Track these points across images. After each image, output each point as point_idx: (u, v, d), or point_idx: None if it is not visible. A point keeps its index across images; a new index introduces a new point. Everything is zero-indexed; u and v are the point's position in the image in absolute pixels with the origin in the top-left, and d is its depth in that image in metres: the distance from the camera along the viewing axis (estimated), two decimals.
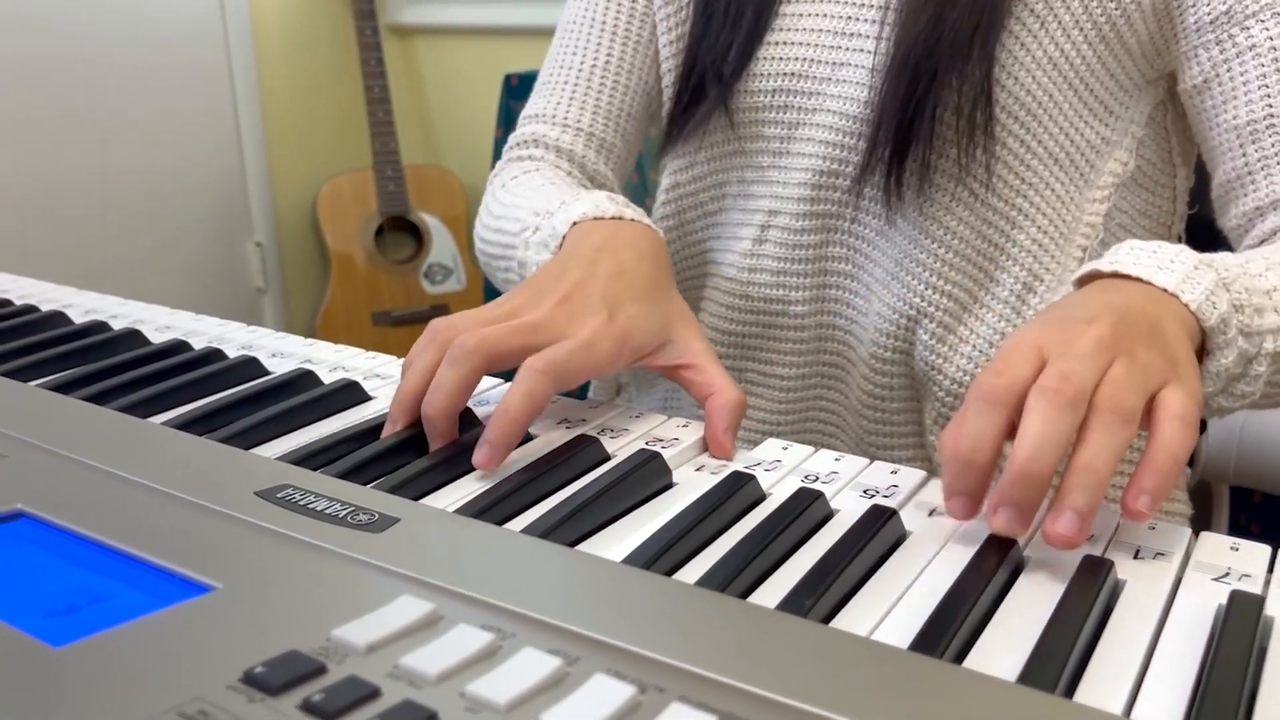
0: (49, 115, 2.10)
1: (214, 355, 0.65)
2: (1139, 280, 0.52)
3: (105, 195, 2.21)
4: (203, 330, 0.72)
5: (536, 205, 0.70)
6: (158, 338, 0.70)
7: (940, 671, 0.33)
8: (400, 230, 2.46)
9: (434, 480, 0.49)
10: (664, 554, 0.42)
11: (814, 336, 0.76)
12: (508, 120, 1.93)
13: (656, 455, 0.50)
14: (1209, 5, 0.66)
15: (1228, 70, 0.66)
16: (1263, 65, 0.65)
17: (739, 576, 0.40)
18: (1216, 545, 0.44)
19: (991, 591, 0.40)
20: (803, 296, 0.75)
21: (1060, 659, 0.35)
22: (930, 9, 0.66)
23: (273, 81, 2.46)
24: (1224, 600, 0.39)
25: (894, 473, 0.50)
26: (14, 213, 2.06)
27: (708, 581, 0.40)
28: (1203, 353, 0.53)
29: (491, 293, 2.01)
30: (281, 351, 0.68)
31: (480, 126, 2.47)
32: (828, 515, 0.46)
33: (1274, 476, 0.99)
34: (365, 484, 0.47)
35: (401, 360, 0.66)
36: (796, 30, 0.73)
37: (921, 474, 0.50)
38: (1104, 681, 0.35)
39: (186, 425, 0.54)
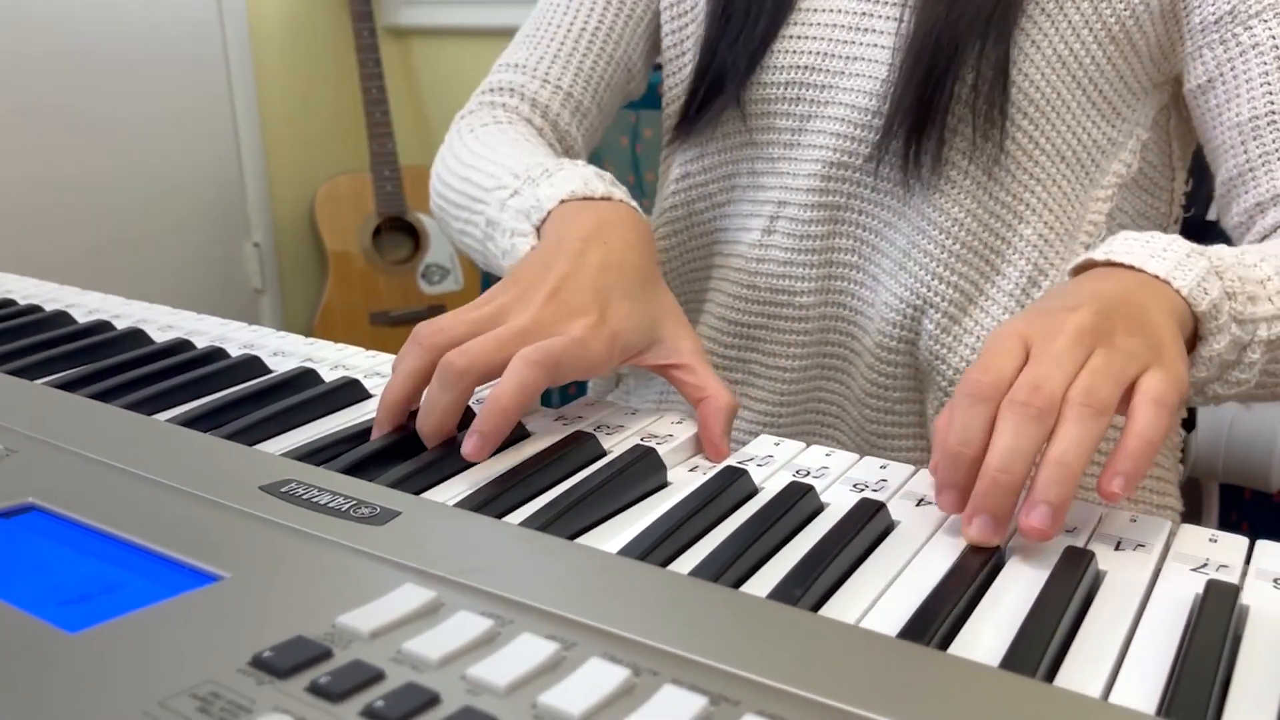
0: (47, 116, 2.11)
1: (216, 354, 0.66)
2: (1131, 268, 0.53)
3: (103, 196, 2.22)
4: (205, 330, 0.73)
5: (513, 164, 0.69)
6: (160, 337, 0.71)
7: (926, 657, 0.34)
8: (398, 231, 2.47)
9: (434, 475, 0.50)
10: (658, 546, 0.43)
11: (818, 327, 0.78)
12: None
13: (651, 451, 0.51)
14: (1213, 5, 0.67)
15: (1231, 68, 0.68)
16: (1265, 63, 0.66)
17: (731, 567, 0.41)
18: (1196, 537, 0.45)
19: (977, 581, 0.41)
20: (809, 287, 0.76)
21: (1041, 645, 0.36)
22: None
23: (270, 83, 2.47)
24: (1201, 590, 0.40)
25: (883, 468, 0.51)
26: (11, 213, 2.07)
27: (701, 572, 0.41)
28: (1195, 339, 0.54)
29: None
30: (283, 350, 0.69)
31: None
32: (818, 509, 0.48)
33: (1263, 474, 1.00)
34: (367, 479, 0.48)
35: None
36: (811, 25, 0.74)
37: (909, 469, 0.51)
38: (1084, 666, 0.36)
39: (191, 422, 0.55)
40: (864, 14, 0.72)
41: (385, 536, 0.40)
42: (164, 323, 0.75)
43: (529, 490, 0.49)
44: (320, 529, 0.40)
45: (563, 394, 1.35)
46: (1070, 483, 0.43)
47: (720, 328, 0.81)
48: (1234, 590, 0.39)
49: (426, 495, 0.48)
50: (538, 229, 0.63)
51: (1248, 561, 0.43)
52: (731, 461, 0.52)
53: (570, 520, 0.45)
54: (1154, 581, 0.42)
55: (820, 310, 0.77)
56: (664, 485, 0.51)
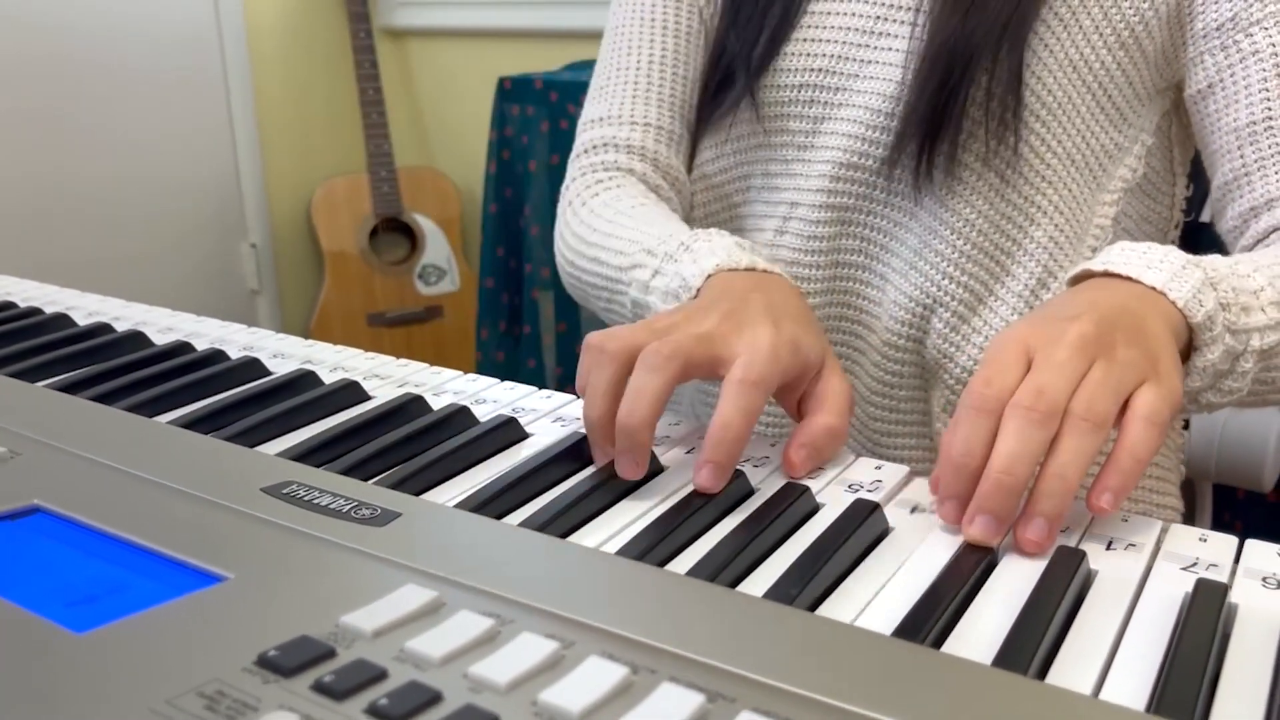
0: (44, 119, 2.11)
1: (217, 356, 0.67)
2: (1128, 279, 0.54)
3: (100, 198, 2.22)
4: (204, 332, 0.74)
5: (642, 239, 0.69)
6: (160, 339, 0.72)
7: (920, 655, 0.34)
8: (394, 232, 2.47)
9: (434, 476, 0.51)
10: (656, 546, 0.44)
11: (826, 326, 0.78)
12: (501, 123, 1.94)
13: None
14: (1216, 11, 0.68)
15: (1231, 75, 0.68)
16: (1264, 70, 0.67)
17: (728, 567, 0.42)
18: (1186, 536, 0.45)
19: (971, 580, 0.41)
20: (817, 288, 0.77)
21: (1033, 643, 0.37)
22: (964, 3, 0.68)
23: (267, 84, 2.47)
24: (1191, 588, 0.41)
25: (878, 468, 0.52)
26: (8, 216, 2.07)
27: (698, 572, 0.41)
28: (1190, 349, 0.54)
29: (486, 295, 2.03)
30: (282, 352, 0.69)
31: (473, 129, 2.48)
32: (814, 509, 0.48)
33: (1255, 474, 1.01)
34: (367, 480, 0.48)
35: (400, 361, 0.68)
36: (825, 28, 0.75)
37: (904, 470, 0.52)
38: (1075, 664, 0.37)
39: (192, 424, 0.56)
40: (878, 18, 0.73)
41: (386, 537, 0.41)
42: (164, 325, 0.75)
43: (528, 491, 0.49)
44: (322, 530, 0.41)
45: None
46: (1067, 496, 0.44)
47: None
48: (1223, 589, 0.40)
49: (426, 496, 0.49)
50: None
51: (1237, 561, 0.44)
52: None
53: (567, 520, 0.46)
54: (1144, 580, 0.42)
55: (829, 309, 0.78)
56: (659, 471, 0.51)
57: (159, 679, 0.29)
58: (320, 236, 2.42)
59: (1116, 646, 0.38)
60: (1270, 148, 0.67)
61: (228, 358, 0.67)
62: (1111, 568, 0.43)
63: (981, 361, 0.48)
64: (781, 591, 0.40)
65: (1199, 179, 0.79)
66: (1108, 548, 0.45)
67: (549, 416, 0.59)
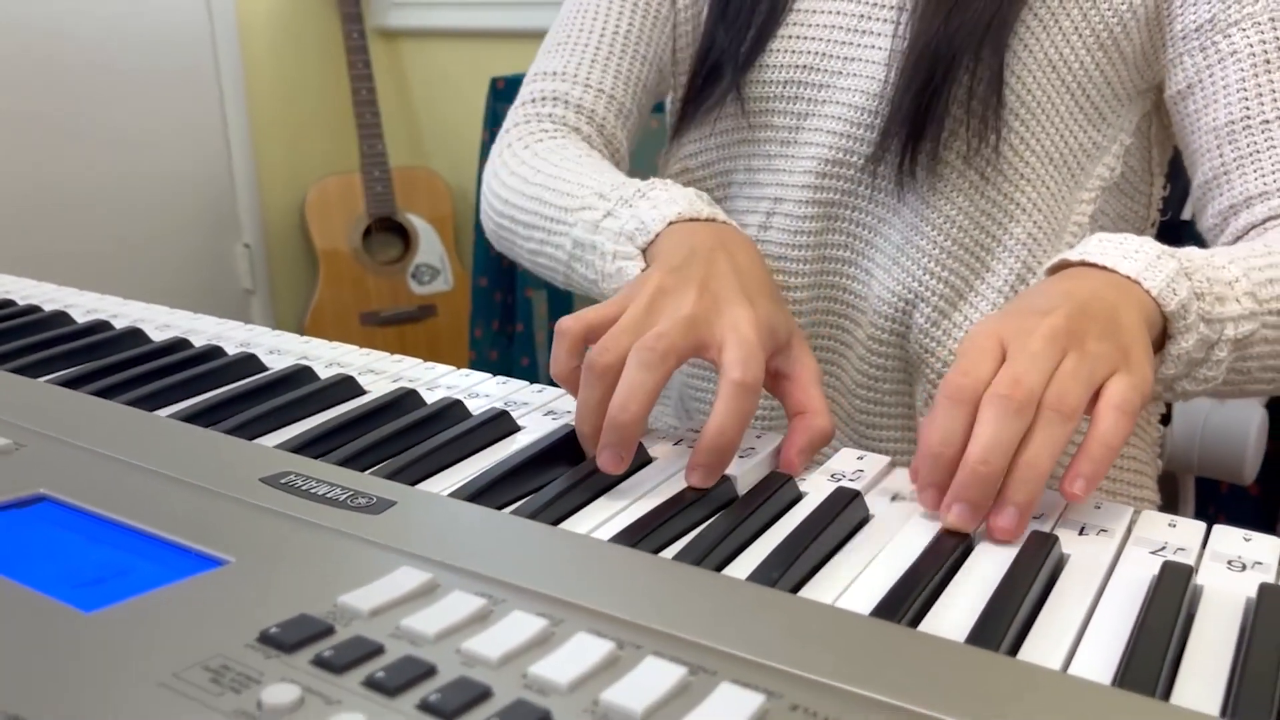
0: (37, 118, 2.12)
1: (214, 352, 0.68)
2: (1104, 268, 0.55)
3: (93, 198, 2.23)
4: (201, 329, 0.75)
5: (593, 184, 0.69)
6: (158, 336, 0.73)
7: (897, 633, 0.36)
8: (388, 231, 2.48)
9: (428, 467, 0.52)
10: (645, 535, 0.45)
11: (811, 320, 0.80)
12: (494, 123, 1.95)
13: (639, 447, 0.53)
14: (1195, 13, 0.70)
15: (1210, 75, 0.70)
16: (1242, 70, 0.69)
17: (712, 552, 0.43)
18: (1155, 522, 0.47)
19: (947, 564, 0.43)
20: (802, 282, 0.78)
21: (1005, 622, 0.38)
22: (947, 4, 0.70)
23: (260, 84, 2.48)
24: (1158, 571, 0.42)
25: (860, 459, 0.53)
26: (1, 215, 2.08)
27: (683, 557, 0.43)
28: (1165, 337, 0.56)
29: (479, 294, 2.04)
30: (278, 349, 0.70)
31: (466, 128, 2.49)
32: (796, 498, 0.50)
33: (1236, 467, 1.03)
34: (362, 471, 0.50)
35: (395, 356, 0.69)
36: (810, 25, 0.76)
37: (885, 460, 0.53)
38: (1045, 642, 0.38)
39: (191, 418, 0.57)
40: (862, 16, 0.74)
41: (382, 525, 0.42)
42: (161, 322, 0.76)
43: (519, 482, 0.51)
44: (319, 518, 0.42)
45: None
46: (1038, 484, 0.45)
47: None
48: (1188, 570, 0.41)
49: (420, 487, 0.50)
50: (644, 250, 0.63)
51: (1204, 545, 0.45)
52: None
53: (557, 508, 0.47)
54: (1114, 563, 0.44)
55: (814, 304, 0.79)
56: (648, 462, 0.53)
57: (165, 654, 0.31)
58: (314, 236, 2.43)
59: (1085, 625, 0.39)
60: (1248, 146, 0.69)
61: (225, 354, 0.68)
62: (1083, 552, 0.45)
63: (958, 354, 0.50)
64: (764, 575, 0.41)
65: (1179, 178, 0.81)
66: (1080, 533, 0.46)
67: (540, 410, 0.60)
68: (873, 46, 0.74)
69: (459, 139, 2.54)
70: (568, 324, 0.55)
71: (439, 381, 0.64)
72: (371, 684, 0.30)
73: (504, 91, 1.93)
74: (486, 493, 0.49)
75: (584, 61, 0.81)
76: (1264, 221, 0.69)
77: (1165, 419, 1.01)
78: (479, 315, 2.05)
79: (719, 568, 0.43)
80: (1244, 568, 0.43)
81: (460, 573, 0.37)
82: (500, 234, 0.79)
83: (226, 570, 0.37)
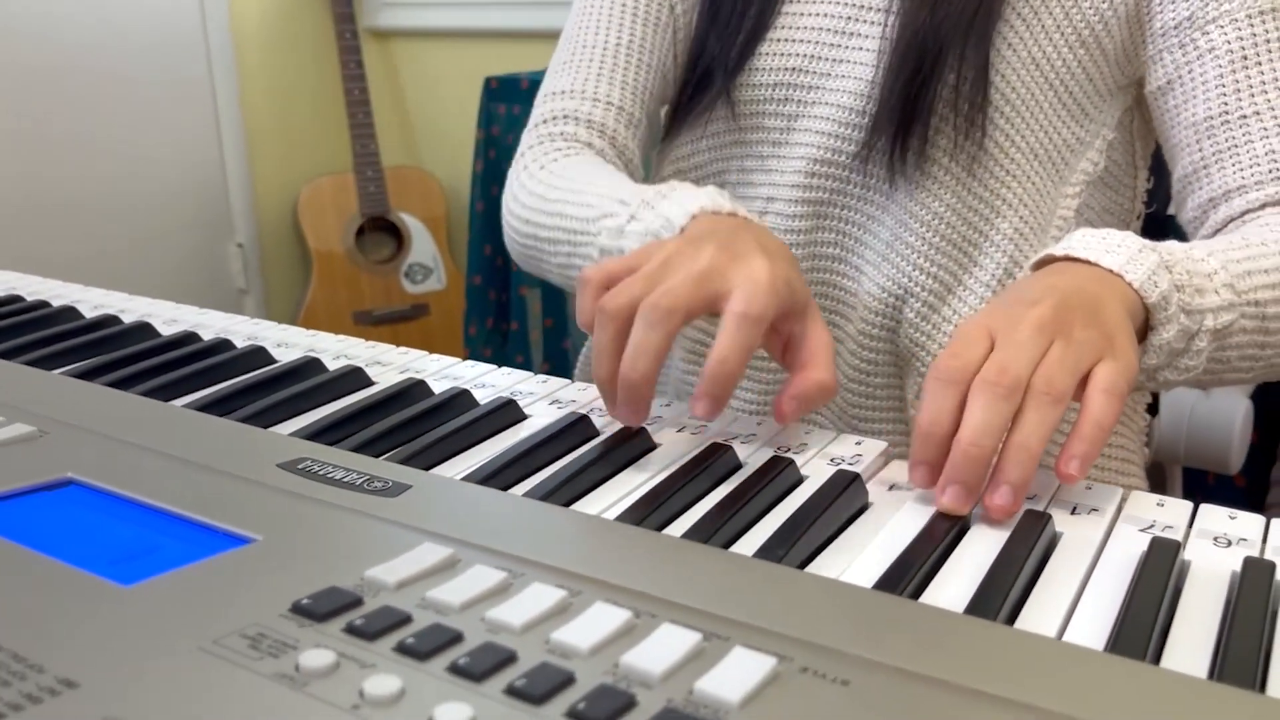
0: (29, 117, 2.12)
1: (223, 345, 0.69)
2: (1088, 262, 0.57)
3: (86, 199, 2.23)
4: (209, 323, 0.76)
5: (613, 193, 0.69)
6: (166, 330, 0.74)
7: (899, 604, 0.37)
8: (381, 231, 2.49)
9: (440, 453, 0.53)
10: (652, 513, 0.47)
11: None
12: (488, 122, 1.97)
13: (642, 430, 0.55)
14: (1174, 11, 0.72)
15: (1189, 71, 0.72)
16: (1220, 66, 0.71)
17: (719, 531, 0.45)
18: (1145, 502, 0.49)
19: (945, 542, 0.45)
20: None
21: (1002, 594, 0.40)
22: (931, 1, 0.72)
23: (253, 84, 2.49)
24: (1147, 546, 0.44)
25: (858, 444, 0.55)
26: None
27: (691, 536, 0.44)
28: (1147, 328, 0.58)
29: (473, 292, 2.05)
30: (285, 342, 0.72)
31: (459, 128, 2.50)
32: (798, 480, 0.51)
33: (1222, 457, 1.05)
34: (377, 456, 0.51)
35: (401, 349, 0.70)
36: (798, 28, 0.78)
37: (883, 444, 0.55)
38: (1040, 612, 0.40)
39: (205, 408, 0.58)
40: (849, 19, 0.76)
41: (399, 506, 0.44)
42: (168, 316, 0.78)
43: (529, 466, 0.52)
44: (338, 500, 0.44)
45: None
46: (1031, 464, 0.47)
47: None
48: (1175, 545, 0.43)
49: (434, 471, 0.51)
50: None
51: (1191, 524, 0.47)
52: (716, 438, 0.56)
53: (568, 491, 0.49)
54: (1106, 540, 0.45)
55: None
56: (653, 448, 0.54)
57: (204, 623, 0.32)
58: (307, 236, 2.44)
59: (1079, 598, 0.41)
60: (1227, 141, 0.71)
61: (234, 347, 0.69)
62: (1075, 530, 0.46)
63: (949, 341, 0.52)
64: (769, 552, 0.43)
65: (1164, 174, 0.82)
66: (1072, 512, 0.48)
67: (545, 399, 0.62)
68: (860, 48, 0.75)
69: (452, 138, 2.55)
70: (590, 272, 0.56)
71: (445, 372, 0.66)
72: (403, 649, 0.31)
73: (498, 91, 1.94)
74: (498, 476, 0.50)
75: (590, 76, 0.82)
76: (1242, 214, 0.71)
77: (1152, 409, 1.03)
78: (473, 313, 2.06)
79: (726, 546, 0.45)
80: (1229, 544, 0.45)
81: (479, 549, 0.39)
82: (527, 254, 0.79)
83: (254, 548, 0.38)
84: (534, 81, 1.90)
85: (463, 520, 0.42)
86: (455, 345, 2.44)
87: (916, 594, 0.41)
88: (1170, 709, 0.31)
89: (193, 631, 0.32)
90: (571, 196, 0.73)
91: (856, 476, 0.49)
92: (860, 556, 0.44)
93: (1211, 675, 0.36)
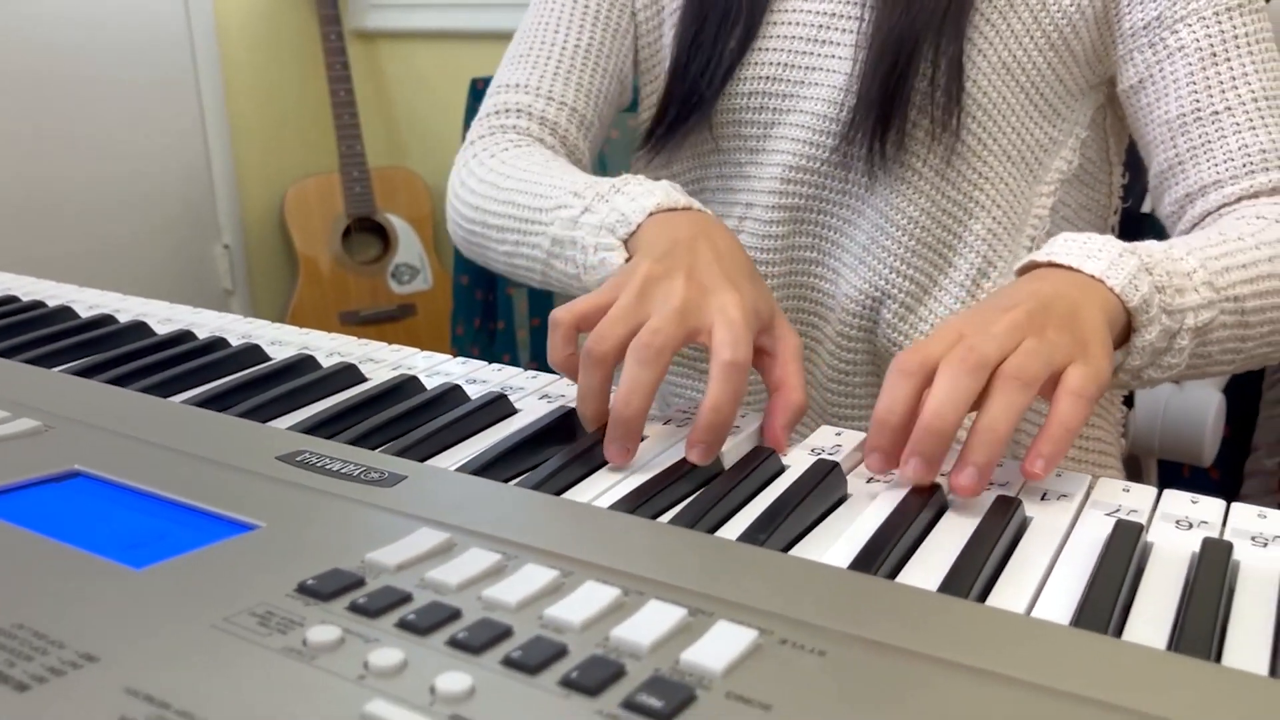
0: (14, 118, 2.13)
1: (218, 343, 0.71)
2: (1069, 268, 0.59)
3: (72, 200, 2.23)
4: (203, 322, 0.77)
5: (565, 184, 0.71)
6: (161, 329, 0.75)
7: (874, 583, 0.39)
8: (367, 231, 2.50)
9: (434, 446, 0.55)
10: (642, 504, 0.48)
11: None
12: None
13: None
14: (1142, 11, 0.74)
15: (1160, 70, 0.74)
16: (1190, 64, 0.73)
17: (704, 518, 0.47)
18: (1111, 488, 0.51)
19: (919, 525, 0.47)
20: (774, 284, 0.82)
21: (973, 573, 0.42)
22: (903, 2, 0.73)
23: (238, 86, 2.50)
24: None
25: (838, 434, 0.57)
26: None
27: (677, 522, 0.46)
28: (1129, 330, 0.59)
29: (460, 292, 2.07)
30: (279, 340, 0.73)
31: (445, 129, 2.52)
32: (780, 470, 0.53)
33: (1195, 449, 1.07)
34: (372, 449, 0.53)
35: (393, 346, 0.72)
36: (773, 38, 0.79)
37: (861, 435, 0.57)
38: (1010, 590, 0.42)
39: (203, 404, 0.60)
40: (822, 26, 0.78)
41: (396, 496, 0.45)
42: (162, 316, 0.79)
43: (521, 458, 0.54)
44: (337, 490, 0.45)
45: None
46: (997, 446, 0.49)
47: None
48: (1138, 527, 0.45)
49: (429, 463, 0.53)
50: (625, 242, 0.65)
51: (1154, 509, 0.49)
52: None
53: (559, 481, 0.51)
54: (1073, 524, 0.48)
55: (784, 304, 0.83)
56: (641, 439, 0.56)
57: (215, 603, 0.34)
58: (293, 236, 2.45)
59: (1046, 577, 0.43)
60: (1200, 138, 0.73)
61: (229, 345, 0.71)
62: (1045, 515, 0.48)
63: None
64: (752, 536, 0.45)
65: (1137, 169, 0.85)
66: (1042, 498, 0.50)
67: (535, 394, 0.63)
68: (833, 55, 0.77)
69: (437, 139, 2.56)
70: (561, 315, 0.57)
71: (436, 369, 0.68)
72: (404, 625, 0.33)
73: (484, 92, 1.95)
74: (490, 467, 0.52)
75: (546, 74, 0.82)
76: (1218, 209, 0.73)
77: (1129, 400, 1.05)
78: (460, 313, 2.07)
79: (711, 531, 0.46)
80: (1191, 526, 0.47)
81: (473, 535, 0.41)
82: (471, 240, 0.80)
83: (258, 534, 0.40)
84: None
85: (457, 508, 0.44)
86: (442, 345, 2.45)
87: (892, 575, 0.43)
88: (1130, 678, 0.33)
89: (204, 610, 0.33)
90: (524, 186, 0.74)
91: (836, 465, 0.51)
92: (838, 541, 0.46)
93: (1170, 647, 0.38)
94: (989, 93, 0.75)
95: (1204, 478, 1.39)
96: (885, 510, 0.48)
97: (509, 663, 0.31)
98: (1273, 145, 0.72)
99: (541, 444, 0.55)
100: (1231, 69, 0.72)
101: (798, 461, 0.54)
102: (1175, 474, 1.36)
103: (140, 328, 0.75)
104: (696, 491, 0.51)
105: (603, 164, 1.70)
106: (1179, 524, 0.47)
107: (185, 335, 0.73)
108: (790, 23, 0.79)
